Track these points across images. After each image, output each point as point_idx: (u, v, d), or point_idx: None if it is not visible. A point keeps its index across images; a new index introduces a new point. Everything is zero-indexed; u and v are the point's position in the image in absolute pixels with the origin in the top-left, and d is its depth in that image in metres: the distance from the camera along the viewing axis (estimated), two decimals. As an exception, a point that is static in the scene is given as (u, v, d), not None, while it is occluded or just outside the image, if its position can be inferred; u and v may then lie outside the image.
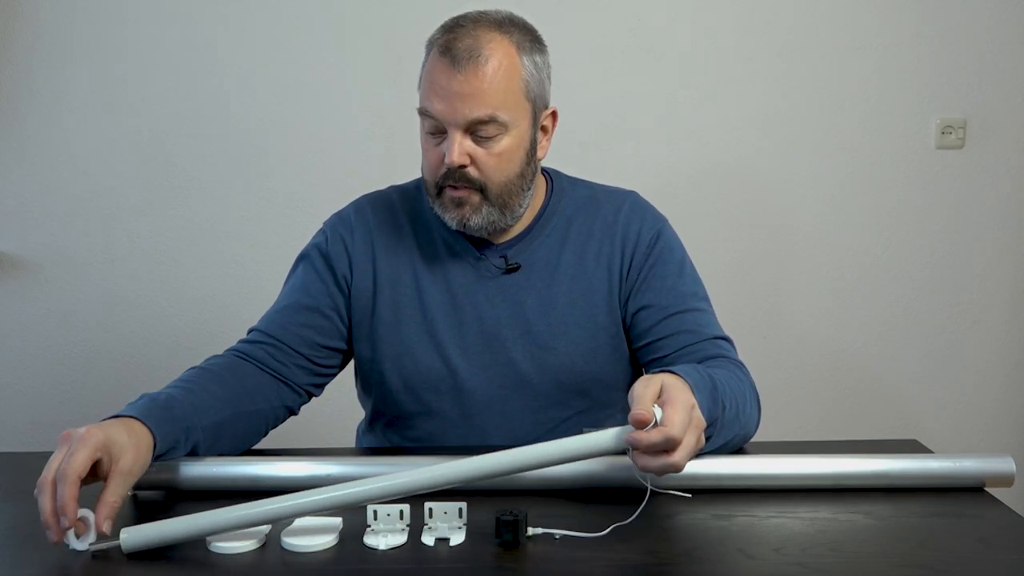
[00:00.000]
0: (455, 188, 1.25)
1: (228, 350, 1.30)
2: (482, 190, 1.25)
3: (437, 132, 1.25)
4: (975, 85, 2.31)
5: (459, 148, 1.22)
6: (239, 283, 2.29)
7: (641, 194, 1.42)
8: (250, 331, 1.34)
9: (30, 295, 2.28)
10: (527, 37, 1.27)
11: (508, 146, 1.25)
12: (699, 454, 1.12)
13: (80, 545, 0.94)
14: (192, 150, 2.26)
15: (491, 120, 1.22)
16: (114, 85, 2.23)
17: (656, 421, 0.93)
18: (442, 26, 1.27)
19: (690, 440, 0.94)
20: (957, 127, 2.31)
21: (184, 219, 2.28)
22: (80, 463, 0.94)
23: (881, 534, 0.99)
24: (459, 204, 1.26)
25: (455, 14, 1.29)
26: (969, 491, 1.10)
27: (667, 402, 0.94)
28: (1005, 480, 1.10)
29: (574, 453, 0.96)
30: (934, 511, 1.04)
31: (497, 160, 1.24)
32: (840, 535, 0.98)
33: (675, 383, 0.97)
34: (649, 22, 2.27)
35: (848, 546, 0.95)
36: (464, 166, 1.23)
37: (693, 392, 1.00)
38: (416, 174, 1.43)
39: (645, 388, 0.95)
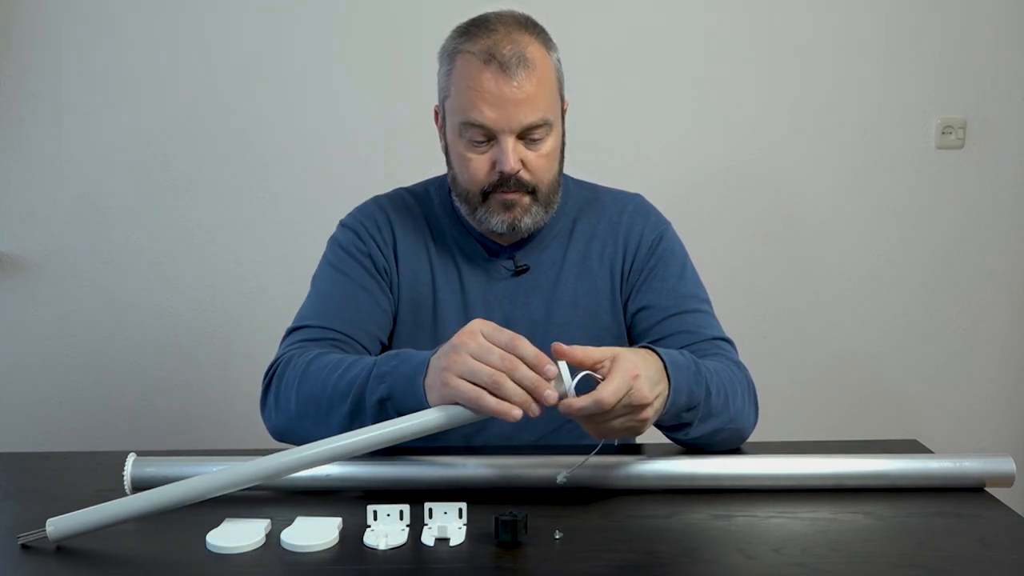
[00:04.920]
0: (507, 191, 1.25)
1: (302, 348, 1.22)
2: (533, 192, 1.26)
3: (484, 140, 1.24)
4: (975, 85, 2.30)
5: (514, 154, 1.22)
6: (239, 283, 2.29)
7: (642, 194, 1.42)
8: (301, 327, 1.26)
9: (30, 295, 2.28)
10: (546, 35, 1.27)
11: (553, 146, 1.26)
12: (690, 443, 1.14)
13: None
14: (191, 151, 2.26)
15: (543, 123, 1.23)
16: (113, 86, 2.23)
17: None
18: (463, 33, 1.25)
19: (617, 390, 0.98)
20: (957, 127, 2.31)
21: (183, 219, 2.28)
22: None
23: (881, 534, 0.99)
24: (509, 207, 1.26)
25: (456, 16, 1.28)
26: (969, 491, 1.10)
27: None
28: (1005, 480, 1.10)
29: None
30: (934, 511, 1.04)
31: (546, 161, 1.26)
32: (840, 535, 0.98)
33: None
34: (650, 22, 2.27)
35: (848, 546, 0.95)
36: (517, 170, 1.24)
37: (668, 367, 1.04)
38: (418, 175, 1.43)
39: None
